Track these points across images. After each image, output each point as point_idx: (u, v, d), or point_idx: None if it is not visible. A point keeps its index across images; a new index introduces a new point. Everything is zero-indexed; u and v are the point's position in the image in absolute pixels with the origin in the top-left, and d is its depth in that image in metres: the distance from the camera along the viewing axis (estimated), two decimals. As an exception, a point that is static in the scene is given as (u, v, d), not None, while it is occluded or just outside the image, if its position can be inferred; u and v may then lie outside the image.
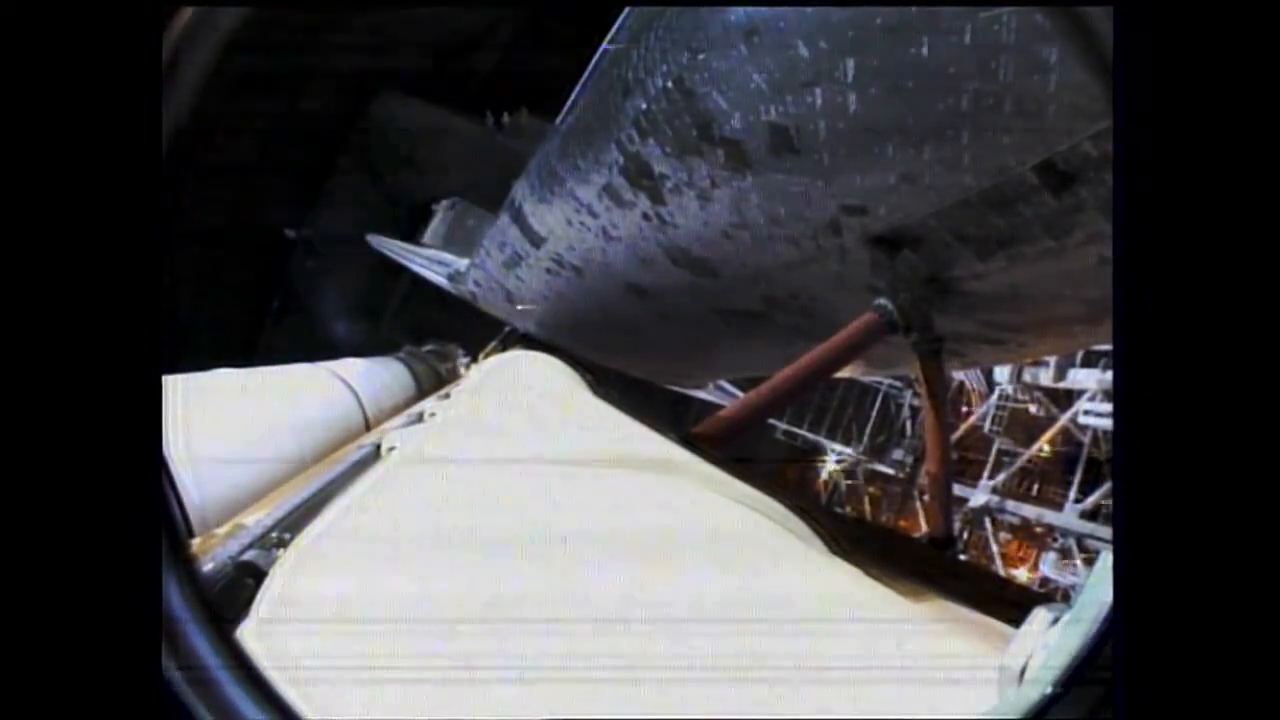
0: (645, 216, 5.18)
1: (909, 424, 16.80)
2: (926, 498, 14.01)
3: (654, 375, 10.55)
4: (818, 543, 2.09)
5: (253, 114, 11.21)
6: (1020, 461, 14.03)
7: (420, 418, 3.57)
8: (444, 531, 1.77)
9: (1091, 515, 12.28)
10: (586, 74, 5.03)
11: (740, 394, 9.26)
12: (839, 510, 15.84)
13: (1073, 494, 12.79)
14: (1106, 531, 11.33)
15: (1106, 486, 12.24)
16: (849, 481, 17.45)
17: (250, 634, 1.23)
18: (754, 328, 6.14)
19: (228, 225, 11.98)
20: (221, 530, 1.98)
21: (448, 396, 4.69)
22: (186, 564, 1.05)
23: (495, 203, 8.26)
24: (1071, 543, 12.34)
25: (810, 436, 17.30)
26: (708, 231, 4.86)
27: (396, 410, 4.58)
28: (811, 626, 1.39)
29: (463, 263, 9.76)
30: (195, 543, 1.87)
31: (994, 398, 14.48)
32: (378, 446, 2.67)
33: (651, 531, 1.84)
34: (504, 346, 8.68)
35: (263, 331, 13.61)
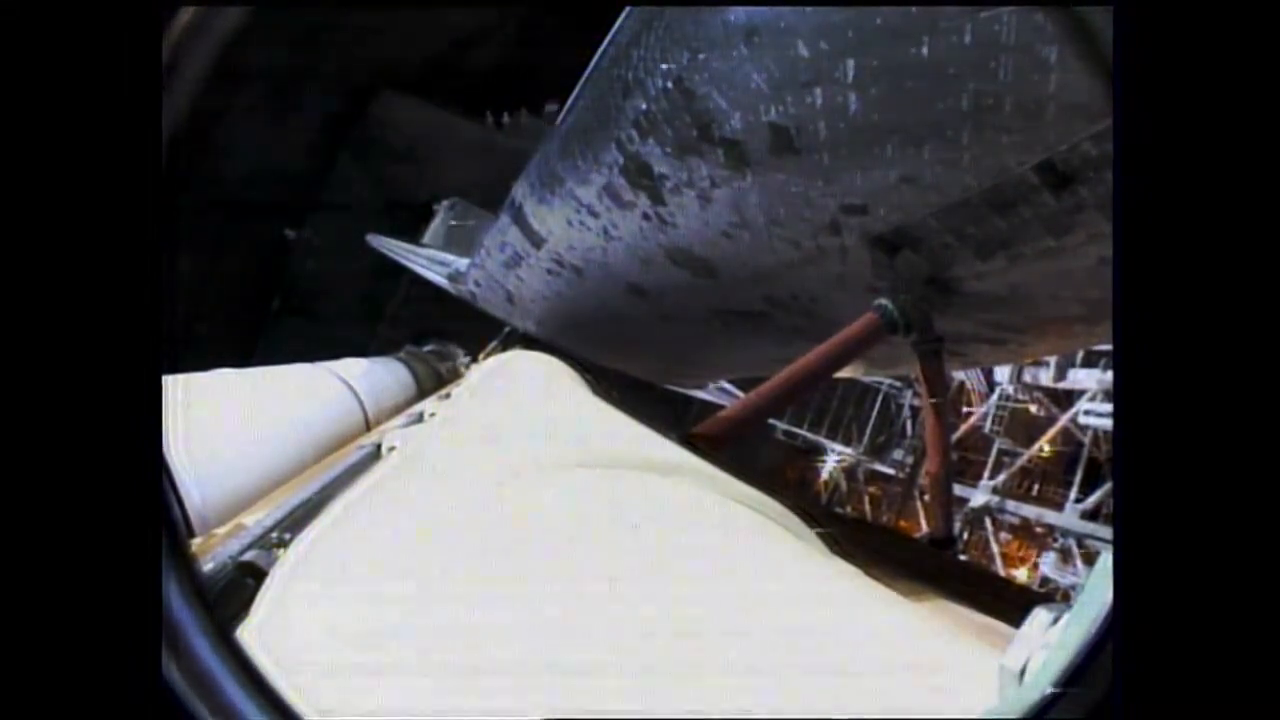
0: (645, 216, 5.18)
1: (909, 424, 16.80)
2: (926, 498, 14.01)
3: (654, 375, 10.55)
4: (818, 543, 2.09)
5: (253, 114, 11.22)
6: (1020, 461, 14.02)
7: (420, 418, 3.57)
8: (443, 532, 1.77)
9: (1092, 515, 12.28)
10: (586, 74, 5.03)
11: (740, 394, 9.26)
12: (839, 510, 15.84)
13: (1073, 494, 12.78)
14: (1106, 531, 11.32)
15: (1106, 486, 12.23)
16: (849, 482, 17.46)
17: (250, 634, 1.23)
18: (754, 328, 6.14)
19: (228, 225, 11.99)
20: (221, 530, 1.98)
21: (448, 396, 4.69)
22: (186, 564, 1.05)
23: (495, 203, 8.26)
24: (1071, 543, 12.32)
25: (810, 436, 17.31)
26: (708, 231, 4.86)
27: (396, 410, 4.58)
28: (811, 627, 1.39)
29: (463, 263, 9.75)
30: (195, 543, 1.87)
31: (994, 398, 14.47)
32: (378, 446, 2.67)
33: (651, 532, 1.83)
34: (504, 346, 8.68)
35: (263, 331, 13.61)
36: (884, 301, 4.34)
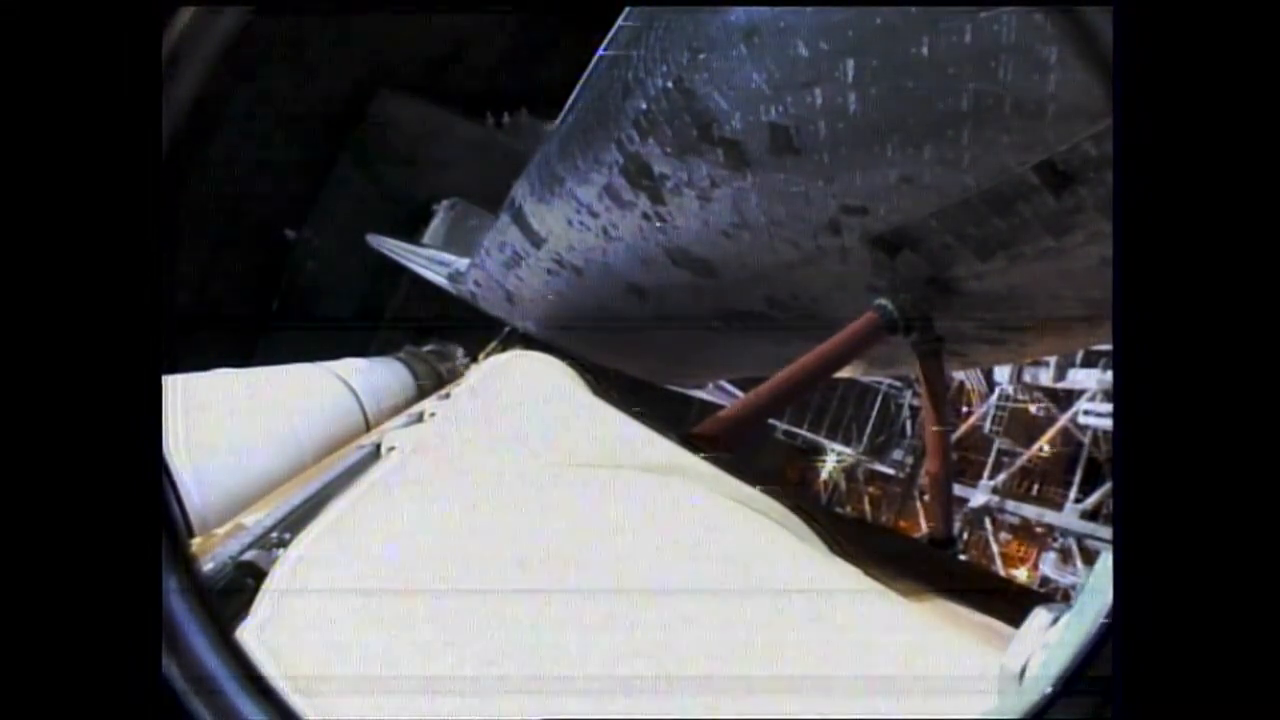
0: (645, 216, 5.17)
1: (909, 424, 16.80)
2: (926, 498, 14.01)
3: (654, 375, 10.54)
4: (818, 543, 2.09)
5: (252, 113, 11.23)
6: (1020, 461, 14.02)
7: (420, 418, 3.57)
8: (443, 532, 1.77)
9: (1091, 515, 12.28)
10: (586, 74, 5.03)
11: (740, 394, 9.25)
12: (839, 510, 15.84)
13: (1073, 494, 12.78)
14: (1106, 531, 11.33)
15: (1106, 486, 12.24)
16: (849, 482, 17.46)
17: (250, 634, 1.23)
18: (754, 328, 6.14)
19: (228, 225, 11.99)
20: (221, 530, 1.98)
21: (448, 396, 4.69)
22: (186, 564, 1.05)
23: (495, 203, 8.25)
24: (1071, 543, 12.33)
25: (810, 436, 17.30)
26: (708, 231, 4.86)
27: (396, 410, 4.58)
28: (810, 627, 1.39)
29: (463, 263, 9.74)
30: (195, 543, 1.87)
31: (994, 398, 14.48)
32: (378, 446, 2.67)
33: (651, 532, 1.83)
34: (504, 346, 8.68)
35: (263, 331, 13.60)
36: (884, 301, 4.34)
